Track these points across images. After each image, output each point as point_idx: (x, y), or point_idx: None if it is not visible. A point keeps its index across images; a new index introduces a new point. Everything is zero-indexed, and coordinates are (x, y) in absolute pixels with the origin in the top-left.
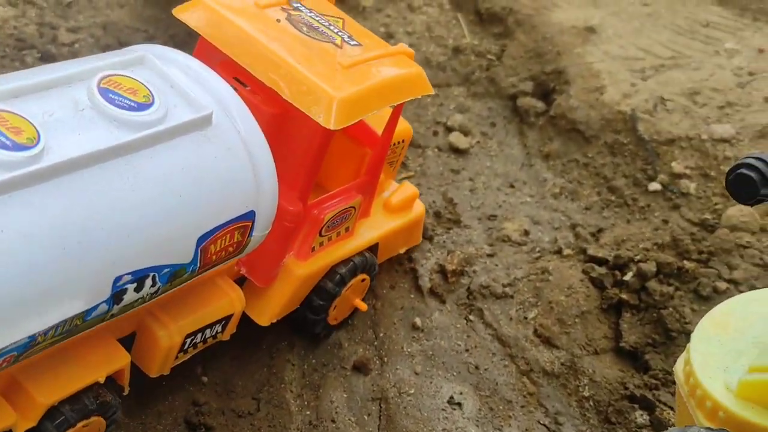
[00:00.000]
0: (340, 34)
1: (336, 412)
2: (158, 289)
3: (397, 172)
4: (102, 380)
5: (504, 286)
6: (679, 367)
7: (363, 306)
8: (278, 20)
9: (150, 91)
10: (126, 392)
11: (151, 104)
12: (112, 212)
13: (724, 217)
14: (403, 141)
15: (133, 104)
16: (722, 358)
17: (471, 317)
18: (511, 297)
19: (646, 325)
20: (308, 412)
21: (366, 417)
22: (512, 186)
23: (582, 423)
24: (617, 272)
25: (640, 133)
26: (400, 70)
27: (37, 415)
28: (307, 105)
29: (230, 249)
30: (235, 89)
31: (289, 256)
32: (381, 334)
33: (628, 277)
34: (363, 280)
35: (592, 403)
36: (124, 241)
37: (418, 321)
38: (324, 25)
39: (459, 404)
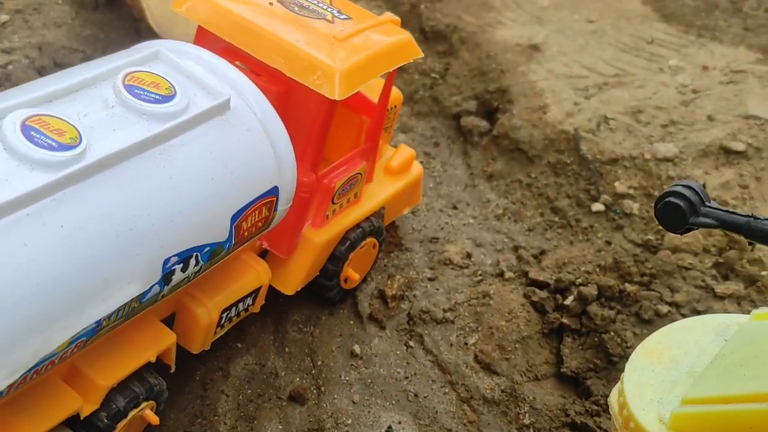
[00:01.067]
0: (329, 10)
1: None
2: (200, 267)
3: (391, 137)
4: (153, 359)
5: (444, 311)
6: (613, 398)
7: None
8: (271, 3)
9: (171, 84)
10: (173, 371)
11: (174, 96)
12: (155, 199)
13: (667, 239)
14: (395, 106)
15: (158, 97)
16: (656, 388)
17: (411, 343)
18: (452, 322)
19: (587, 349)
20: None
21: None
22: (455, 207)
23: None
24: (558, 296)
25: (583, 152)
26: (391, 38)
27: (99, 397)
28: (311, 80)
29: (259, 224)
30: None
31: (306, 226)
32: (319, 362)
33: (569, 301)
34: (374, 245)
35: (532, 431)
36: (168, 226)
37: (357, 348)
38: (313, 3)
39: None
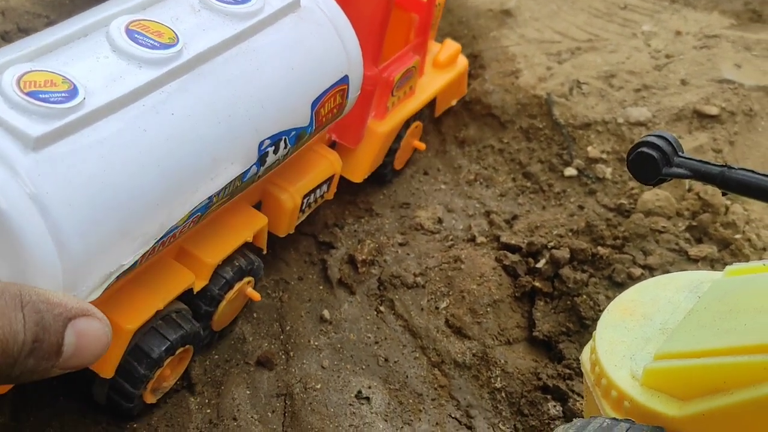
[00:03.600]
0: None
1: (238, 410)
2: (288, 150)
3: (436, 32)
4: (250, 239)
5: (415, 275)
6: (585, 356)
7: (421, 146)
8: None
9: None
10: (264, 252)
11: None
12: (247, 88)
13: (640, 202)
14: (439, 3)
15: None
16: (628, 345)
17: (381, 308)
18: (423, 287)
19: (559, 313)
20: (209, 410)
21: (270, 414)
22: (426, 173)
23: (494, 415)
24: (530, 259)
25: (555, 117)
26: None
27: (208, 274)
28: None
29: (335, 110)
30: None
31: (370, 118)
32: (287, 328)
33: (541, 264)
34: (416, 126)
35: (504, 395)
36: (261, 112)
37: (326, 313)
38: None
39: (367, 398)
